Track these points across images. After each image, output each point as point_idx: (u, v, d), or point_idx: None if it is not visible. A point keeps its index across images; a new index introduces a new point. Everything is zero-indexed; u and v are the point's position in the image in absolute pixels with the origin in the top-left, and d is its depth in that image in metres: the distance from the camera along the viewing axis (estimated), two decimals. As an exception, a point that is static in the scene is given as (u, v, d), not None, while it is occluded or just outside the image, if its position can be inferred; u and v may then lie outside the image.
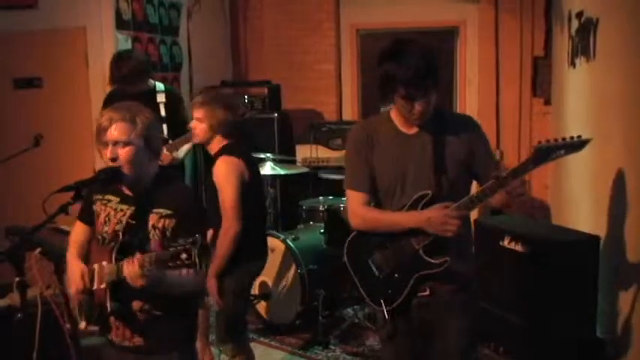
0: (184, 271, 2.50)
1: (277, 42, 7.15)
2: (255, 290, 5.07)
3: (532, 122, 6.59)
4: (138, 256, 2.52)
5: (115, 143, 2.65)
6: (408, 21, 6.88)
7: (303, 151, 6.32)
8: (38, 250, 4.05)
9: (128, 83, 4.69)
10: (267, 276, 5.00)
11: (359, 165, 2.94)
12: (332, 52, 7.06)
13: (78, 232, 2.93)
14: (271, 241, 4.96)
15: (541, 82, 6.51)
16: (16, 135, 5.32)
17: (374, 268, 2.99)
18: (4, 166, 4.63)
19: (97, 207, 2.82)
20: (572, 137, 2.59)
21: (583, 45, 4.51)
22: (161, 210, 2.71)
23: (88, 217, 2.88)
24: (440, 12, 6.77)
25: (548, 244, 3.86)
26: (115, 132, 2.65)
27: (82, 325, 2.83)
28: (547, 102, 6.44)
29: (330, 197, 5.38)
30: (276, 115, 6.27)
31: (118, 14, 5.38)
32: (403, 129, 2.88)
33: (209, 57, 6.83)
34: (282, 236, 4.94)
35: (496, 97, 6.68)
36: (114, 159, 2.65)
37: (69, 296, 3.02)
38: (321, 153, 6.25)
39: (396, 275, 2.93)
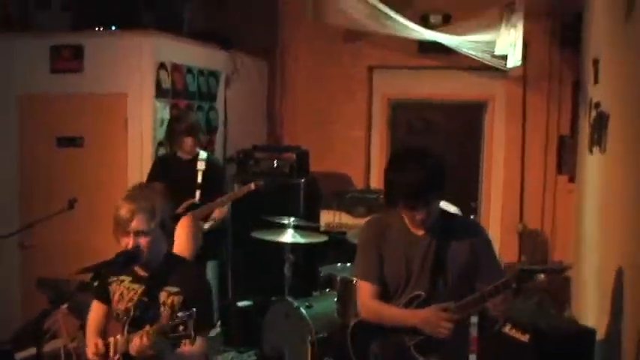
0: (186, 347, 2.77)
1: (311, 108, 7.43)
2: (269, 353, 5.28)
3: (556, 199, 6.71)
4: (146, 329, 2.77)
5: (137, 233, 2.92)
6: (437, 93, 7.09)
7: (327, 217, 6.52)
8: (66, 305, 4.34)
9: (189, 134, 5.12)
10: (281, 340, 5.20)
11: (370, 257, 3.13)
12: (363, 120, 7.30)
13: (95, 310, 3.21)
14: (286, 307, 5.21)
15: (566, 159, 6.62)
16: (57, 189, 5.68)
17: (372, 357, 3.18)
18: (40, 222, 4.96)
19: (113, 287, 3.10)
20: (554, 262, 2.76)
21: (599, 135, 4.66)
22: (170, 288, 2.96)
23: (104, 296, 3.15)
24: (469, 86, 6.95)
25: (548, 335, 3.97)
26: (137, 223, 2.91)
27: None
28: (571, 179, 6.54)
29: (348, 264, 5.55)
30: (302, 180, 6.49)
31: (158, 83, 5.70)
32: (412, 229, 3.06)
33: (244, 121, 7.13)
34: (297, 303, 5.13)
35: (521, 173, 6.81)
36: (136, 247, 2.93)
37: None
38: (345, 219, 6.45)
39: None
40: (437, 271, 2.99)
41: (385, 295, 3.13)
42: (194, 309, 2.70)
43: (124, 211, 2.94)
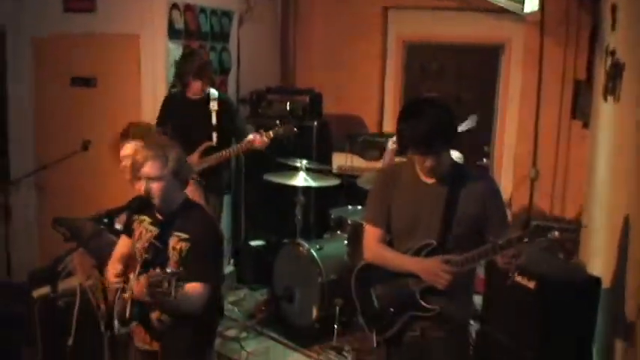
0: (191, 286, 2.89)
1: (325, 50, 7.35)
2: (280, 292, 5.41)
3: (570, 144, 6.65)
4: (144, 276, 2.86)
5: (149, 178, 2.98)
6: (454, 35, 7.01)
7: (339, 159, 6.54)
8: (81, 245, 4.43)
9: (197, 77, 5.07)
10: (292, 280, 5.32)
11: (379, 203, 3.21)
12: (377, 62, 7.24)
13: (121, 244, 3.33)
14: (298, 249, 5.30)
15: (581, 105, 6.55)
16: (71, 129, 5.74)
17: (374, 299, 3.26)
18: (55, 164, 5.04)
19: (135, 225, 3.18)
20: (569, 221, 2.78)
21: (613, 84, 4.62)
22: (180, 233, 3.04)
23: (128, 232, 3.26)
24: (486, 29, 6.84)
25: (553, 282, 4.03)
26: (148, 169, 2.98)
27: (116, 324, 3.21)
28: (585, 125, 6.49)
29: (359, 207, 5.62)
30: (315, 123, 6.49)
31: (171, 24, 5.68)
32: (423, 177, 3.10)
33: (258, 63, 7.08)
34: (308, 245, 5.22)
35: (536, 117, 6.75)
36: (147, 192, 3.01)
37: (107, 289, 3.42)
38: (357, 163, 6.48)
39: (391, 310, 3.19)
40: (446, 220, 3.03)
41: (395, 241, 3.19)
42: (181, 268, 2.84)
43: (138, 156, 3.02)
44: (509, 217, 6.60)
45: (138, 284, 2.88)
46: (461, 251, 2.96)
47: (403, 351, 3.20)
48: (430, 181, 3.09)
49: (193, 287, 2.95)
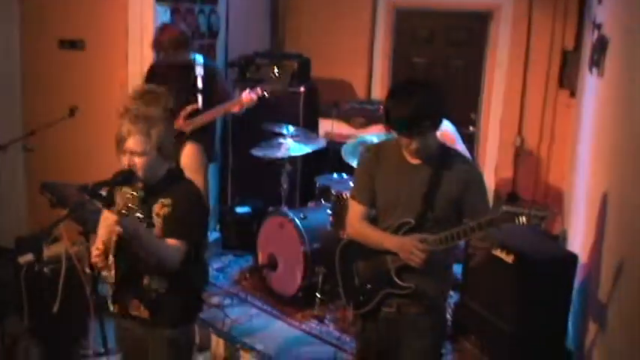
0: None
1: (314, 14, 7.32)
2: (264, 260, 5.48)
3: (556, 112, 6.69)
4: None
5: (132, 153, 3.03)
6: (444, 2, 6.98)
7: (326, 125, 6.54)
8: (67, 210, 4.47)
9: (166, 51, 5.05)
10: (275, 248, 5.38)
11: (364, 180, 3.27)
12: (367, 27, 7.21)
13: (104, 222, 3.33)
14: (282, 218, 5.36)
15: (569, 74, 6.57)
16: (59, 92, 5.73)
17: (355, 274, 3.34)
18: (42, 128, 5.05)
19: (117, 197, 3.22)
20: (536, 209, 2.83)
21: (598, 58, 4.64)
22: (164, 200, 3.11)
23: (110, 205, 3.27)
24: (476, -5, 6.83)
25: (532, 258, 4.11)
26: (132, 144, 3.02)
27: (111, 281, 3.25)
28: (572, 94, 6.53)
29: (345, 175, 5.66)
30: (302, 89, 6.48)
31: (158, -14, 5.63)
32: (408, 158, 3.15)
33: (247, 27, 7.04)
34: (291, 214, 5.27)
35: (523, 84, 6.78)
36: (131, 166, 3.05)
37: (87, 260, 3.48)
38: (344, 129, 6.50)
39: (369, 286, 3.27)
40: (427, 201, 3.09)
41: (379, 218, 3.25)
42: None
43: (123, 129, 3.05)
44: (490, 190, 6.73)
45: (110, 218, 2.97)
46: (438, 231, 3.02)
47: (380, 326, 3.29)
48: (415, 161, 3.13)
49: (172, 242, 3.03)
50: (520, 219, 2.74)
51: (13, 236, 5.08)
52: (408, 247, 3.04)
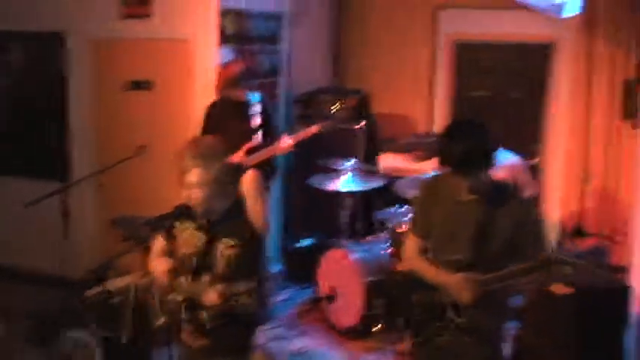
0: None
1: (377, 50, 7.44)
2: (324, 292, 5.57)
3: (620, 145, 6.59)
4: (218, 288, 3.07)
5: (192, 186, 3.21)
6: (503, 33, 7.01)
7: (386, 159, 6.63)
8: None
9: (228, 87, 5.28)
10: (336, 281, 5.47)
11: (421, 213, 3.40)
12: (428, 61, 7.30)
13: (159, 245, 3.52)
14: (342, 251, 5.46)
15: (631, 105, 6.48)
16: (128, 132, 6.00)
17: (412, 304, 3.41)
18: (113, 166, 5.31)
19: (178, 231, 3.40)
20: (582, 252, 2.86)
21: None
22: (228, 240, 3.24)
23: (168, 236, 3.45)
24: (535, 27, 6.81)
25: (584, 289, 4.09)
26: (192, 177, 3.20)
27: (161, 321, 3.44)
28: (635, 126, 6.43)
29: (404, 208, 5.73)
30: (362, 124, 6.60)
31: (223, 30, 5.86)
32: (462, 194, 3.19)
33: (309, 64, 7.22)
34: (351, 247, 5.38)
35: (586, 115, 6.70)
36: (190, 198, 3.23)
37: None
38: (403, 163, 6.55)
39: (425, 317, 3.33)
40: (479, 239, 3.15)
41: (434, 253, 3.32)
42: (254, 282, 3.01)
43: (184, 163, 3.24)
44: (555, 224, 6.65)
45: (210, 295, 3.09)
46: (492, 269, 3.06)
47: (433, 354, 3.33)
48: (469, 198, 3.19)
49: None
50: (565, 268, 2.77)
51: (84, 270, 5.30)
52: (457, 287, 3.11)
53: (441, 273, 3.20)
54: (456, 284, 3.11)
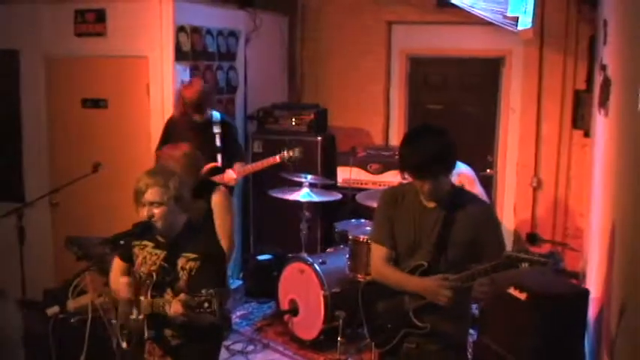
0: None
1: (331, 65, 7.54)
2: (285, 306, 5.59)
3: (571, 153, 6.77)
4: (180, 297, 3.04)
5: (151, 204, 3.21)
6: (455, 48, 7.15)
7: (344, 173, 6.68)
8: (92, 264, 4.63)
9: (193, 109, 5.25)
10: (296, 294, 5.49)
11: (383, 223, 3.37)
12: (382, 76, 7.40)
13: (117, 267, 3.53)
14: (301, 264, 5.48)
15: (582, 114, 6.67)
16: (83, 149, 5.95)
17: (376, 314, 3.44)
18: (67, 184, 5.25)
19: (136, 250, 3.38)
20: (539, 254, 2.91)
21: (604, 98, 4.74)
22: (188, 254, 3.24)
23: (126, 256, 3.46)
24: (486, 41, 6.96)
25: (543, 294, 4.13)
26: (150, 195, 3.21)
27: (124, 345, 3.42)
28: (587, 134, 6.61)
29: (362, 220, 5.80)
30: (319, 138, 6.67)
31: (178, 46, 5.87)
32: (424, 201, 3.26)
33: (265, 80, 7.27)
34: (311, 260, 5.40)
35: (537, 127, 6.87)
36: (150, 217, 3.22)
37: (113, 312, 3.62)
38: (361, 176, 6.63)
39: (389, 326, 3.36)
40: (440, 244, 3.19)
41: (399, 260, 3.33)
42: (216, 289, 2.99)
43: (140, 183, 3.25)
44: (510, 231, 6.79)
45: (174, 306, 3.06)
46: (453, 272, 3.11)
47: None
48: (430, 205, 3.24)
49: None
50: (522, 265, 2.83)
51: (41, 289, 5.23)
52: (435, 288, 3.13)
53: (412, 279, 3.22)
54: (431, 287, 3.13)
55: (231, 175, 5.27)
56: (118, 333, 3.44)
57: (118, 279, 3.44)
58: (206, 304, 2.94)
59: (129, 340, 3.38)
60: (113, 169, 5.51)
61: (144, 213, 3.24)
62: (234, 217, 5.24)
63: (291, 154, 5.35)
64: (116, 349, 4.33)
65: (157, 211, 3.22)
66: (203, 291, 2.97)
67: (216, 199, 4.33)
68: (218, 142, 5.39)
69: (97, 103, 6.07)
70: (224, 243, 4.18)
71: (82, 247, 4.82)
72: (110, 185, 5.68)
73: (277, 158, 5.37)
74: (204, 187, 4.29)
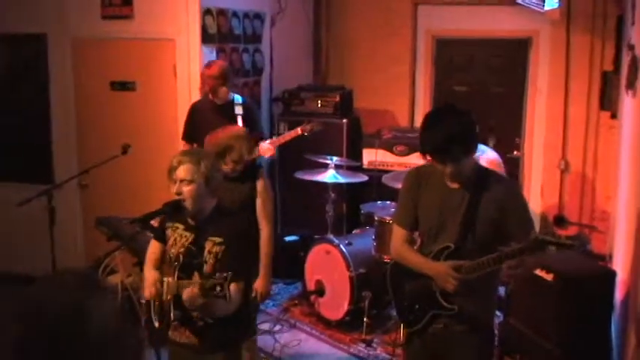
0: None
1: (356, 47, 7.54)
2: (311, 286, 5.63)
3: (598, 134, 6.73)
4: (195, 280, 3.11)
5: (181, 181, 3.25)
6: (482, 29, 7.11)
7: (369, 155, 6.72)
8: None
9: (215, 84, 5.30)
10: (323, 275, 5.53)
11: (406, 204, 3.37)
12: (408, 57, 7.38)
13: (153, 249, 3.55)
14: (328, 245, 5.52)
15: (609, 95, 6.61)
16: (111, 131, 6.02)
17: (403, 295, 3.45)
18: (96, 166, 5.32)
19: (168, 232, 3.43)
20: (566, 237, 2.88)
21: (633, 78, 4.70)
22: (215, 238, 3.28)
23: (161, 237, 3.50)
24: (513, 22, 6.93)
25: (570, 275, 4.17)
26: (181, 172, 3.25)
27: (156, 324, 3.47)
28: (614, 115, 6.55)
29: (388, 202, 5.81)
30: (345, 120, 6.69)
31: (204, 29, 5.90)
32: (448, 182, 3.23)
33: (290, 62, 7.29)
34: (337, 241, 5.43)
35: (564, 109, 6.83)
36: (179, 193, 3.25)
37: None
38: (386, 157, 6.64)
39: (417, 307, 3.36)
40: (466, 225, 3.15)
41: (424, 242, 3.34)
42: (230, 272, 3.03)
43: (174, 160, 3.29)
44: (537, 214, 6.76)
45: (190, 291, 3.10)
46: (481, 255, 3.06)
47: (428, 341, 3.35)
48: (454, 185, 3.21)
49: (232, 287, 3.16)
50: (550, 248, 2.82)
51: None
52: (442, 275, 3.13)
53: (427, 262, 3.23)
54: (441, 274, 3.14)
55: (266, 146, 5.30)
56: (152, 312, 3.47)
57: (149, 268, 3.50)
58: (218, 288, 2.98)
59: (160, 320, 3.42)
60: (141, 151, 5.56)
61: (174, 189, 3.28)
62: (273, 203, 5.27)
63: (312, 126, 5.38)
64: (145, 329, 4.44)
65: (186, 189, 3.25)
66: (217, 274, 3.03)
67: (262, 184, 4.40)
68: (240, 124, 5.41)
69: (125, 86, 6.11)
70: (266, 226, 4.34)
71: (111, 227, 4.88)
72: (138, 167, 5.74)
73: (299, 130, 5.39)
74: (249, 172, 4.33)
